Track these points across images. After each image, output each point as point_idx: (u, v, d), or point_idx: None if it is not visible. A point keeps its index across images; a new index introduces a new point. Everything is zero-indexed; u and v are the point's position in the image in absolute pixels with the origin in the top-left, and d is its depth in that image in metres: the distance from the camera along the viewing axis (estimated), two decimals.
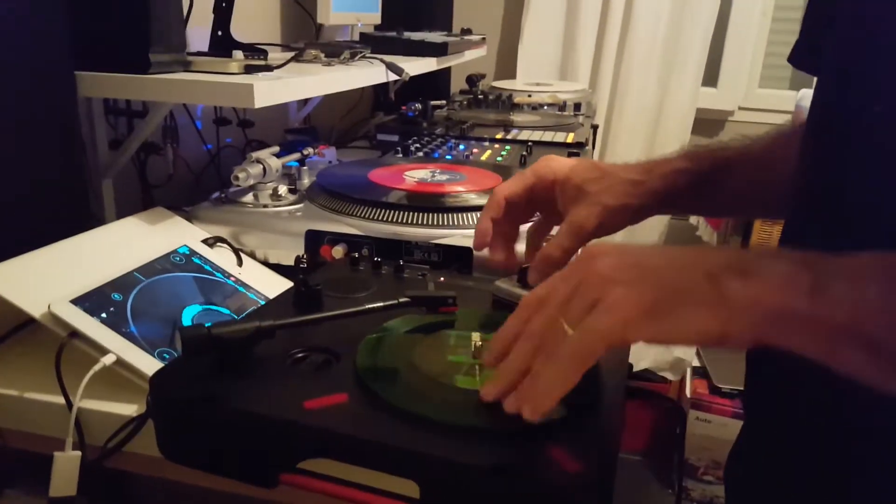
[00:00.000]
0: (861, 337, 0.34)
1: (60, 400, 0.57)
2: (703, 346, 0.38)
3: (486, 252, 0.66)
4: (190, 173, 1.17)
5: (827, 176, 0.49)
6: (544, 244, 0.63)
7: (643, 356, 2.04)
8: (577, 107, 1.72)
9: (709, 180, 0.63)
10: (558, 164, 0.64)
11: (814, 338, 0.36)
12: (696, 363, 2.04)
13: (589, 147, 1.47)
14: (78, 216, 0.81)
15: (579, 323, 0.39)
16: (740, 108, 2.34)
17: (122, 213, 0.85)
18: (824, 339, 0.35)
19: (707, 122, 2.30)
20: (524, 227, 0.69)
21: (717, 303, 0.37)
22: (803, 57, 0.57)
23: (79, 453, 0.56)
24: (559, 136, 1.41)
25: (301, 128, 1.42)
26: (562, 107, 1.75)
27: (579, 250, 0.62)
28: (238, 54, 0.87)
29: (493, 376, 0.45)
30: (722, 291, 0.37)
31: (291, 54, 0.97)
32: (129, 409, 0.58)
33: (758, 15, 2.24)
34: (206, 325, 0.51)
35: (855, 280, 0.35)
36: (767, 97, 2.30)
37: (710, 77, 2.32)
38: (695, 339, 0.38)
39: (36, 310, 0.59)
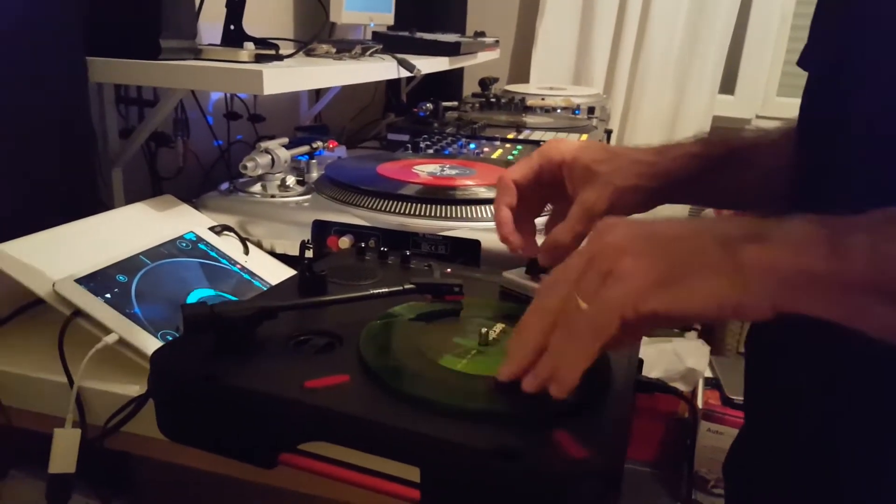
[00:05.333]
0: (885, 290, 0.33)
1: (63, 378, 0.57)
2: (721, 315, 0.36)
3: (497, 245, 0.65)
4: (200, 167, 1.17)
5: (815, 174, 0.48)
6: (554, 229, 0.62)
7: (654, 365, 2.02)
8: (591, 111, 1.71)
9: (721, 167, 0.61)
10: (565, 145, 0.63)
11: (836, 297, 0.34)
12: (708, 374, 2.01)
13: None
14: (86, 203, 0.81)
15: (594, 296, 0.38)
16: (758, 117, 2.32)
17: (130, 203, 0.85)
18: (847, 297, 0.34)
19: (723, 130, 2.29)
20: (539, 221, 0.68)
21: (732, 269, 0.35)
22: (810, 59, 0.57)
23: (78, 430, 0.55)
24: (572, 137, 1.41)
25: (312, 125, 1.42)
26: (575, 110, 1.74)
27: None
28: (249, 45, 0.87)
29: (508, 356, 0.44)
30: (736, 257, 0.35)
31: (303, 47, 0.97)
32: (131, 390, 0.58)
33: (777, 21, 2.21)
34: (209, 303, 0.50)
35: (873, 232, 0.34)
36: (786, 106, 2.27)
37: (728, 84, 2.30)
38: (711, 307, 0.36)
39: (41, 288, 0.59)
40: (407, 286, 0.60)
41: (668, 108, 2.24)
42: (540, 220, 0.68)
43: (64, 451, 0.55)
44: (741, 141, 0.63)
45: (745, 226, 0.37)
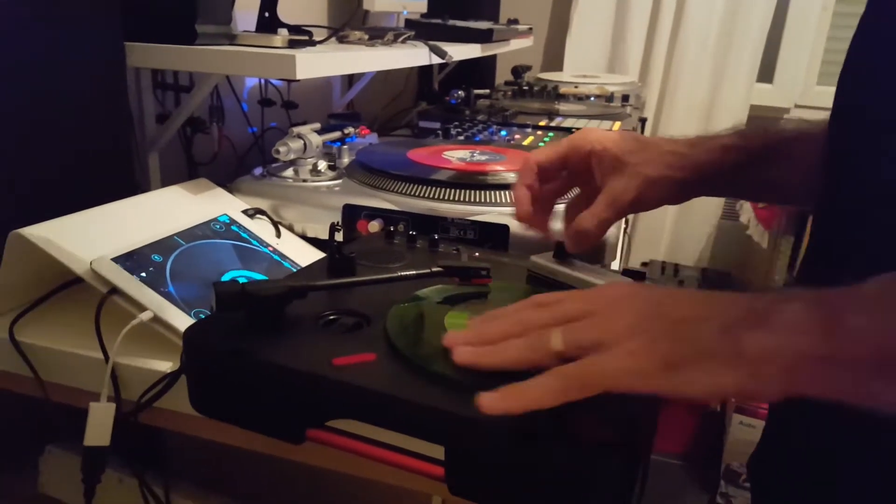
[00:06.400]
0: (888, 371, 0.32)
1: (99, 354, 0.59)
2: (723, 399, 0.37)
3: (522, 227, 0.65)
4: (234, 153, 1.19)
5: (847, 163, 0.47)
6: (579, 216, 0.61)
7: None
8: (626, 98, 1.69)
9: (758, 161, 0.59)
10: (595, 134, 0.62)
11: (840, 379, 0.34)
12: None
13: None
14: (124, 186, 0.83)
15: (574, 347, 0.39)
16: (797, 106, 2.27)
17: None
18: (851, 377, 0.33)
19: (761, 119, 2.23)
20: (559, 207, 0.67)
21: (734, 357, 0.35)
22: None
23: (113, 405, 0.57)
24: (605, 125, 1.39)
25: (345, 112, 1.43)
26: (609, 98, 1.72)
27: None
28: (283, 32, 0.88)
29: (466, 329, 0.46)
30: (738, 347, 0.35)
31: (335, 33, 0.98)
32: (164, 366, 0.59)
33: (818, 8, 2.16)
34: (241, 281, 0.51)
35: (873, 309, 0.33)
36: (826, 95, 2.19)
37: (766, 73, 2.25)
38: (712, 394, 0.37)
39: (79, 266, 0.61)
40: (434, 269, 0.60)
41: (705, 97, 2.21)
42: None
43: (99, 425, 0.56)
44: (781, 134, 0.61)
45: (747, 309, 0.37)
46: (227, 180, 0.93)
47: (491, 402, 0.39)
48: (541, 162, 0.62)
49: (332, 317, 0.55)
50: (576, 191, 0.67)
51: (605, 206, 0.59)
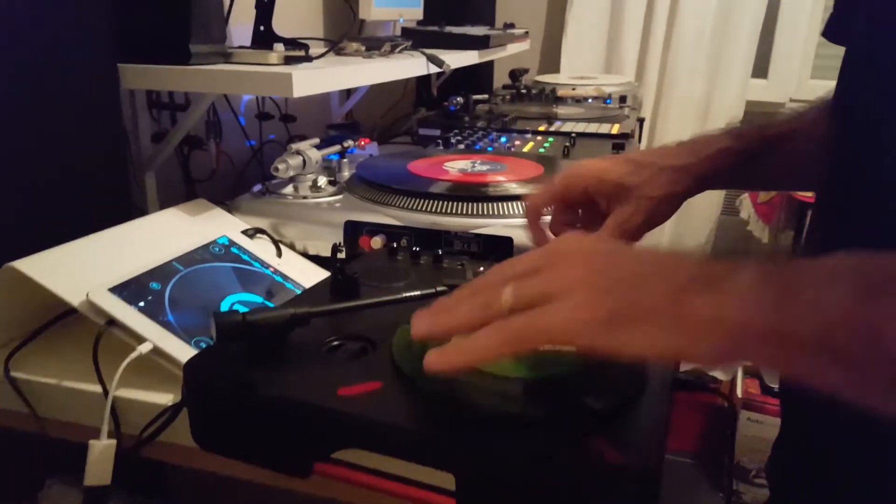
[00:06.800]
0: (830, 350, 0.31)
1: (98, 388, 0.57)
2: (661, 360, 0.35)
3: (528, 242, 0.65)
4: (233, 169, 1.17)
5: (848, 159, 0.47)
6: None
7: None
8: (623, 99, 1.68)
9: (758, 159, 0.60)
10: (586, 168, 0.63)
11: (781, 354, 0.33)
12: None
13: (635, 139, 1.43)
14: (120, 208, 0.82)
15: (523, 301, 0.38)
16: (792, 100, 2.26)
17: (165, 207, 0.85)
18: (793, 354, 0.33)
19: (757, 115, 2.22)
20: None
21: (676, 321, 0.35)
22: (838, 30, 0.54)
23: (114, 441, 0.55)
24: (604, 128, 1.38)
25: (343, 123, 1.41)
26: (606, 100, 1.71)
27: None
28: (279, 47, 0.87)
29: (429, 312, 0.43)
30: (682, 310, 0.35)
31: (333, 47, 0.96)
32: (165, 399, 0.58)
33: (809, 3, 2.15)
34: (241, 311, 0.50)
35: (822, 289, 0.32)
36: (820, 88, 2.18)
37: (760, 68, 2.24)
38: (650, 354, 0.36)
39: (75, 298, 0.59)
40: (439, 288, 0.59)
41: (701, 94, 2.20)
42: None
43: (99, 464, 0.55)
44: (777, 128, 0.61)
45: (698, 272, 0.36)
46: (227, 195, 0.92)
47: (433, 359, 0.39)
48: (537, 205, 0.64)
49: (336, 342, 0.54)
50: None
51: (613, 233, 0.60)
